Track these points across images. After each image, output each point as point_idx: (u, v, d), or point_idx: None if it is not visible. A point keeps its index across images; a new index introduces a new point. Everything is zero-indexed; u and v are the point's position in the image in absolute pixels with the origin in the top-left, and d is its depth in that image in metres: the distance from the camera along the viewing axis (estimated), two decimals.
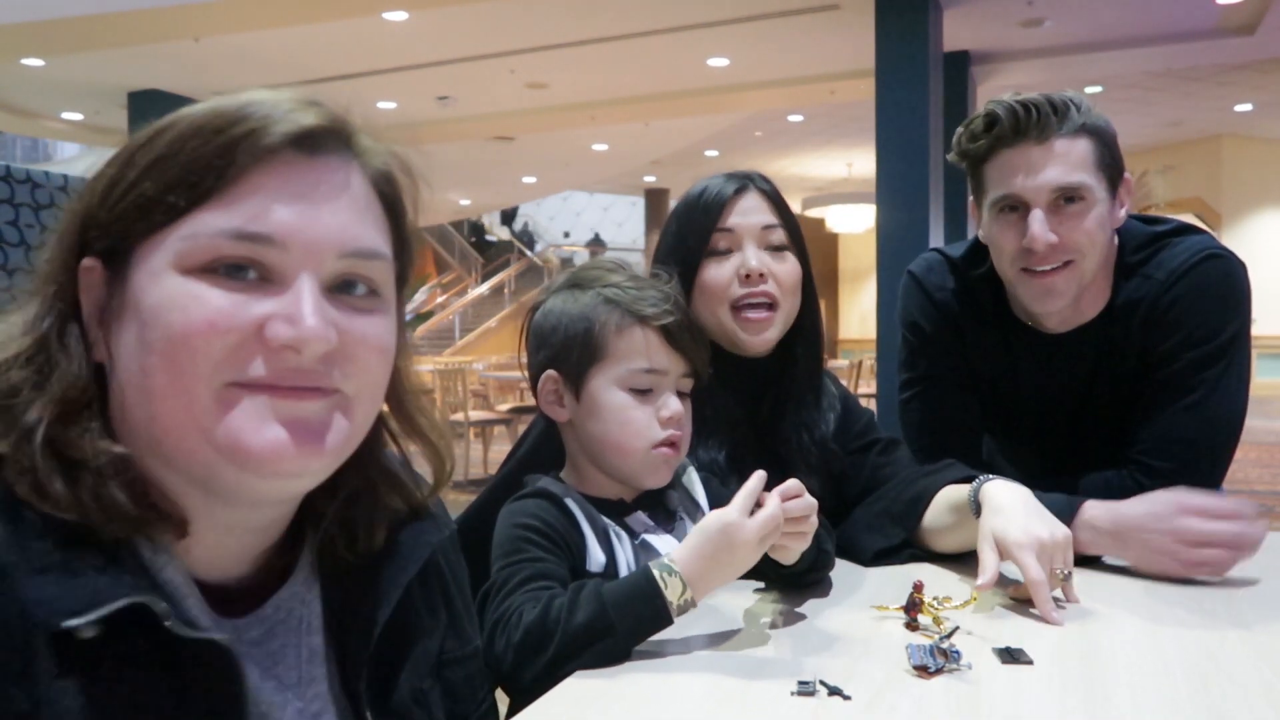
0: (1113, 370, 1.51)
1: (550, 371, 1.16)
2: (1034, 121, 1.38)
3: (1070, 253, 1.40)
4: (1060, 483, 1.45)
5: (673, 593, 0.95)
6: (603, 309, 1.14)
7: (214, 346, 0.64)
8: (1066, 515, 1.26)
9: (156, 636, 0.63)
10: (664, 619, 0.95)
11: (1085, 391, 1.54)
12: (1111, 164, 1.42)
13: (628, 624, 0.94)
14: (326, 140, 0.70)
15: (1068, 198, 1.39)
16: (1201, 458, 1.41)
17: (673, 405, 1.15)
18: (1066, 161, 1.38)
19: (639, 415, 1.13)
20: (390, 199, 0.75)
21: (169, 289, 0.65)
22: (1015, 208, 1.42)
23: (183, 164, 0.65)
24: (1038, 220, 1.38)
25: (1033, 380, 1.57)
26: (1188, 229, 1.51)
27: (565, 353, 1.15)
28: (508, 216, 21.38)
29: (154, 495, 0.66)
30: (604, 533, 1.12)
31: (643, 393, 1.14)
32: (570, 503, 1.12)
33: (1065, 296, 1.43)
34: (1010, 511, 1.14)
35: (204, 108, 0.68)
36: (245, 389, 0.65)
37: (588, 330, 1.14)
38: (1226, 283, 1.44)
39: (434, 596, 0.85)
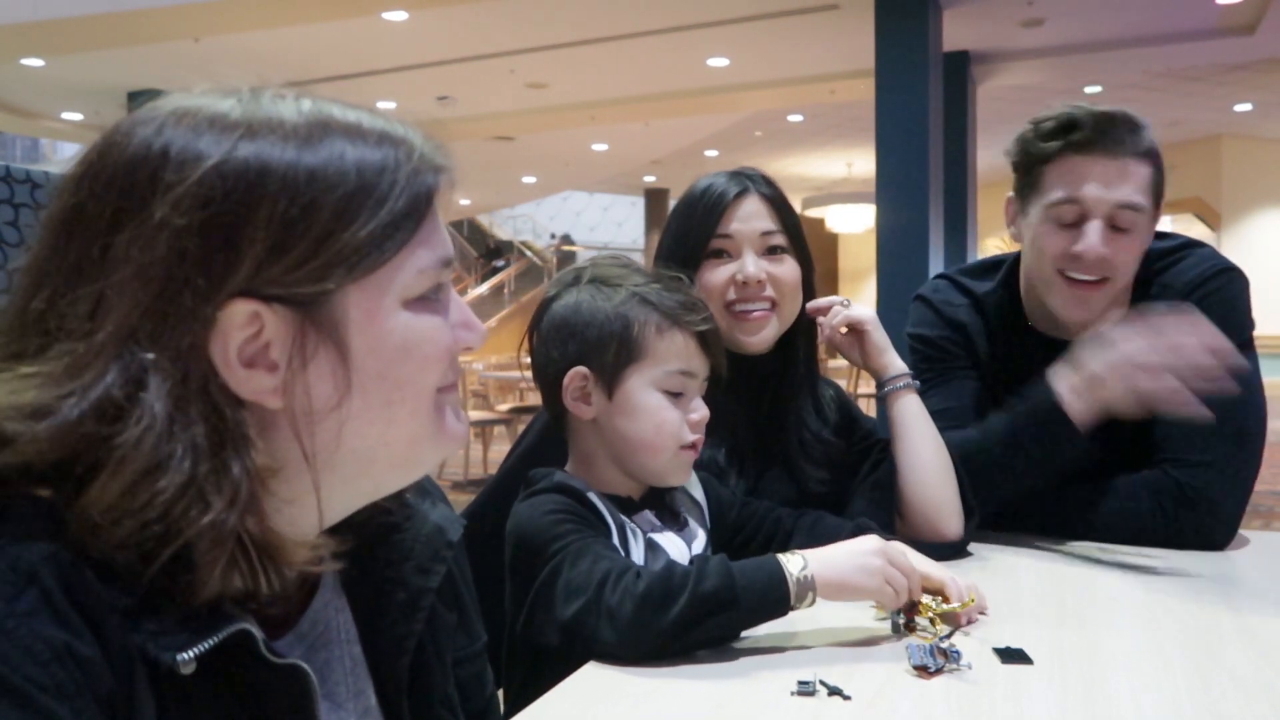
0: None
1: (580, 368, 1.15)
2: (1111, 134, 1.41)
3: (1111, 270, 1.43)
4: (1077, 489, 1.47)
5: (793, 565, 0.97)
6: (640, 309, 1.14)
7: (445, 366, 0.71)
8: (1049, 392, 1.38)
9: (240, 666, 0.63)
10: (783, 599, 0.95)
11: None
12: (1159, 190, 1.45)
13: (750, 599, 0.94)
14: (450, 167, 0.73)
15: (1121, 219, 1.42)
16: (1230, 440, 1.43)
17: (703, 409, 1.17)
18: (1133, 182, 1.41)
19: (672, 416, 1.14)
20: None
21: (408, 325, 0.68)
22: (1071, 212, 1.44)
23: (405, 202, 0.66)
24: (1095, 230, 1.41)
25: None
26: (1195, 243, 1.57)
27: (600, 349, 1.14)
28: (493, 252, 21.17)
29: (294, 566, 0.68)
30: (621, 529, 1.12)
31: (674, 394, 1.15)
32: (592, 497, 1.12)
33: (1095, 312, 1.46)
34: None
35: (372, 133, 0.67)
36: (441, 391, 0.71)
37: (626, 329, 1.13)
38: (1240, 295, 1.50)
39: (447, 597, 0.85)
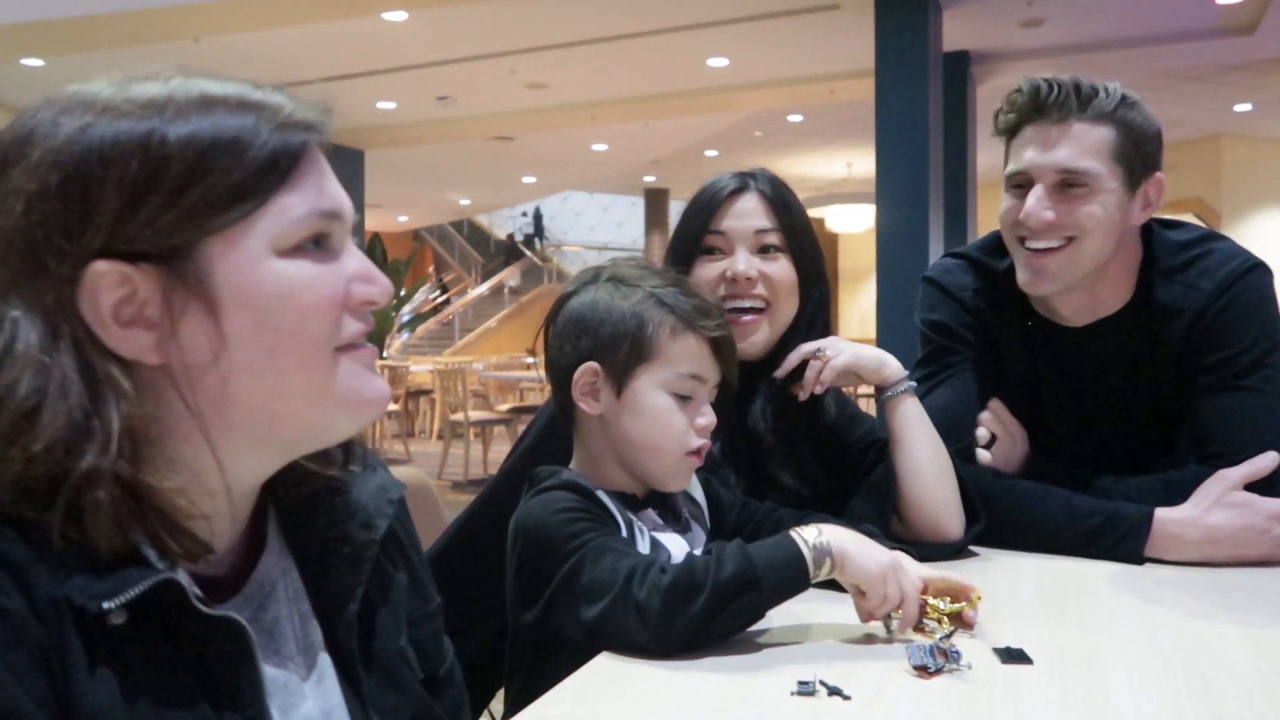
0: (1145, 372, 1.50)
1: (591, 363, 1.15)
2: (1054, 100, 1.39)
3: (1069, 230, 1.40)
4: (1093, 486, 1.46)
5: (808, 534, 0.99)
6: (656, 310, 1.15)
7: (333, 316, 0.71)
8: (1143, 526, 1.34)
9: (174, 621, 0.66)
10: (803, 574, 0.97)
11: (1111, 392, 1.53)
12: (1135, 158, 1.41)
13: (771, 578, 0.96)
14: (324, 126, 0.75)
15: (1070, 182, 1.39)
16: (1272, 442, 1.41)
17: (710, 414, 1.17)
18: (1079, 145, 1.39)
19: (679, 420, 1.15)
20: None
21: (282, 272, 0.69)
22: (1023, 184, 1.43)
23: (262, 153, 0.68)
24: (1035, 194, 1.40)
25: (1057, 379, 1.56)
26: (1216, 235, 1.53)
27: (613, 347, 1.15)
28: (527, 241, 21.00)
29: (195, 522, 0.68)
30: (629, 526, 1.13)
31: (683, 398, 1.15)
32: (601, 495, 1.13)
33: (1057, 280, 1.43)
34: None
35: (229, 95, 0.70)
36: (346, 350, 0.73)
37: (640, 328, 1.14)
38: (1270, 294, 1.47)
39: (394, 556, 0.88)
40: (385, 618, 0.84)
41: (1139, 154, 1.42)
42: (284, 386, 0.70)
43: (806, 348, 1.39)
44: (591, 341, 1.16)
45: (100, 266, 0.65)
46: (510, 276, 19.78)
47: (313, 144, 0.72)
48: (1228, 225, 12.77)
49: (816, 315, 1.44)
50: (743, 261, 1.36)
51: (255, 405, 0.70)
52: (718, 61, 8.37)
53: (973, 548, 1.40)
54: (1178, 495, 1.38)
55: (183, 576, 0.66)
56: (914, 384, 1.41)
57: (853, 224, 14.23)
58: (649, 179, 15.59)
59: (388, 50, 8.05)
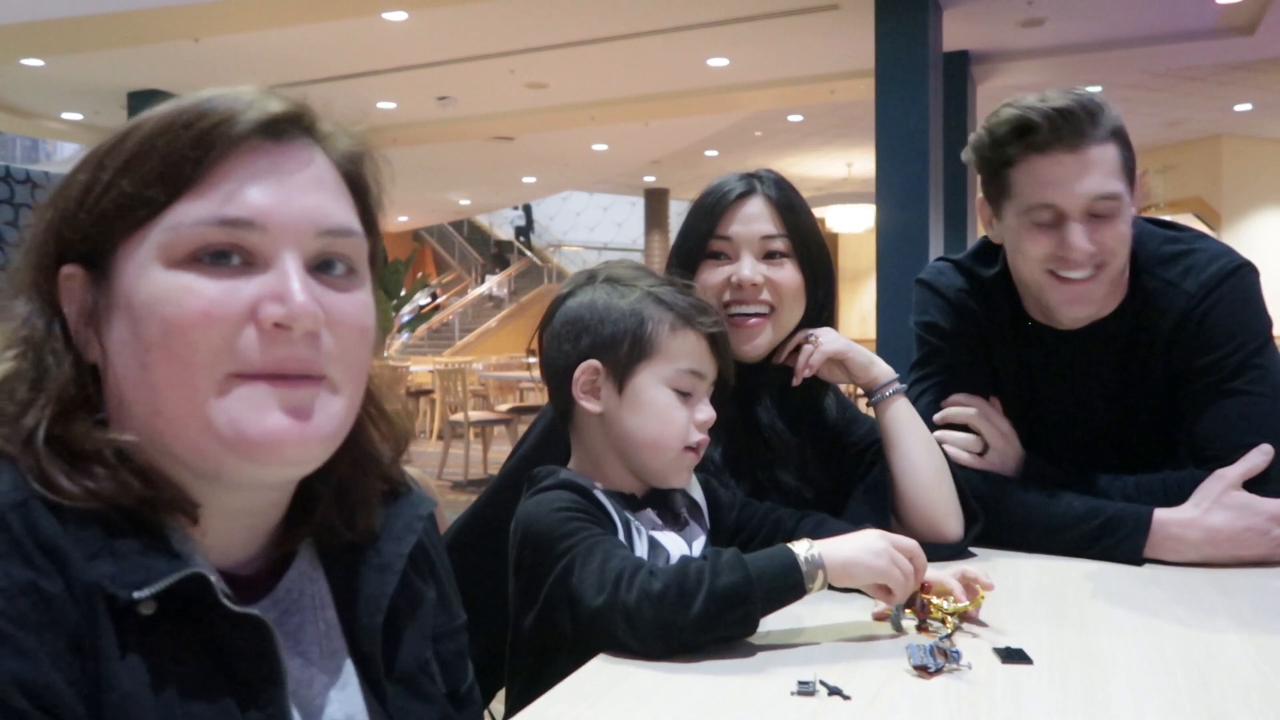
0: (1136, 370, 1.50)
1: (592, 361, 1.16)
2: (1068, 129, 1.35)
3: (1104, 256, 1.39)
4: (1091, 486, 1.46)
5: (799, 548, 0.98)
6: (655, 308, 1.16)
7: (211, 335, 0.66)
8: (1142, 527, 1.34)
9: (201, 615, 0.67)
10: (797, 584, 0.97)
11: (1106, 391, 1.53)
12: (1131, 165, 1.41)
13: (765, 590, 0.96)
14: (290, 126, 0.72)
15: (1101, 209, 1.37)
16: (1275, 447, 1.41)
17: (709, 410, 1.18)
18: (1101, 170, 1.36)
19: (680, 415, 1.15)
20: (356, 179, 0.77)
21: (159, 283, 0.67)
22: (1047, 215, 1.39)
23: (157, 160, 0.68)
24: (1078, 232, 1.37)
25: (1052, 380, 1.56)
26: (1202, 235, 1.52)
27: (614, 345, 1.15)
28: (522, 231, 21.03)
29: (161, 482, 0.69)
30: (626, 525, 1.13)
31: (683, 395, 1.16)
32: (598, 494, 1.13)
33: (1095, 302, 1.44)
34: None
35: (167, 105, 0.71)
36: (243, 379, 0.67)
37: (640, 325, 1.15)
38: (1256, 293, 1.46)
39: (422, 570, 0.88)
40: (410, 629, 0.83)
41: (1131, 159, 1.41)
42: (156, 404, 0.67)
43: (802, 334, 1.41)
44: (591, 340, 1.16)
45: (65, 270, 0.70)
46: (498, 286, 19.75)
47: (239, 144, 0.69)
48: (1228, 225, 12.77)
49: (821, 314, 1.44)
50: (748, 268, 1.36)
51: (140, 419, 0.68)
52: (718, 61, 8.37)
53: (973, 548, 1.40)
54: (1176, 495, 1.38)
55: (211, 573, 0.67)
56: (902, 386, 1.41)
57: (853, 224, 14.23)
58: (649, 179, 15.58)
59: (388, 50, 8.05)
